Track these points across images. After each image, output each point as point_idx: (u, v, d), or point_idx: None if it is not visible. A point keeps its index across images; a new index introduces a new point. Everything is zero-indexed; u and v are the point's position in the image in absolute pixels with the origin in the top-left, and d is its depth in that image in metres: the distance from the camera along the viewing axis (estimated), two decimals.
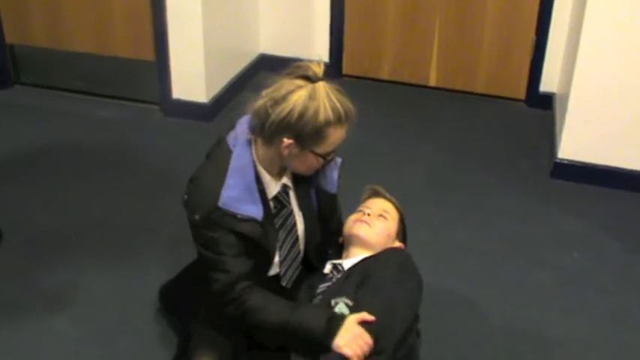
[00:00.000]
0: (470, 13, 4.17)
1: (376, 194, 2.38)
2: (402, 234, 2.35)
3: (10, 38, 4.22)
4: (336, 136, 1.96)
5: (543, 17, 4.02)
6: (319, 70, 1.94)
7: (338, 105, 1.92)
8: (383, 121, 4.02)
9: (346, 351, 1.92)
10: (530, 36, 4.10)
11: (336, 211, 2.32)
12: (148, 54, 3.98)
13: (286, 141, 1.93)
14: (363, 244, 2.23)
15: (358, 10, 4.35)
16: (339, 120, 1.93)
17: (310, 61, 1.96)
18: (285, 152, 1.96)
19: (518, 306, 2.72)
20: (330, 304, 2.05)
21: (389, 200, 2.37)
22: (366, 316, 1.96)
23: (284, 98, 1.90)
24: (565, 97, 3.54)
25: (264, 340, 2.12)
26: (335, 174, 2.20)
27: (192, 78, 3.92)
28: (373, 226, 2.24)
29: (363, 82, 4.47)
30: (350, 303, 2.02)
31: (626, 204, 3.36)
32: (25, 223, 3.09)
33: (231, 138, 2.05)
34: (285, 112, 1.89)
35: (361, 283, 2.05)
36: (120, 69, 4.11)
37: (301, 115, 1.89)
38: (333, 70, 4.44)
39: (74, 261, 2.87)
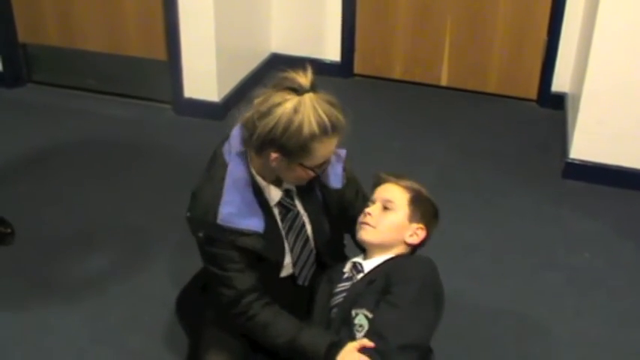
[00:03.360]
0: (481, 12, 4.16)
1: (380, 182, 2.23)
2: (421, 212, 2.17)
3: (23, 37, 4.25)
4: (324, 149, 1.92)
5: (555, 17, 4.00)
6: (306, 81, 1.88)
7: (324, 117, 1.86)
8: (394, 120, 4.02)
9: None
10: (542, 36, 4.09)
11: (350, 203, 2.23)
12: (160, 53, 3.99)
13: (273, 154, 1.91)
14: (374, 247, 2.16)
15: (370, 9, 4.35)
16: (324, 133, 1.87)
17: (296, 71, 1.90)
18: (274, 164, 1.94)
19: (528, 306, 2.71)
20: (350, 313, 2.03)
21: (394, 183, 2.21)
22: (365, 342, 1.93)
23: (269, 111, 1.86)
24: (577, 97, 3.53)
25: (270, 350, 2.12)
26: (339, 168, 2.15)
27: (203, 77, 3.93)
28: (377, 225, 2.13)
29: (375, 81, 4.47)
30: (370, 315, 2.00)
31: (638, 204, 3.35)
32: (36, 221, 3.11)
33: (225, 151, 2.04)
34: (269, 126, 1.86)
35: (383, 294, 2.01)
36: (132, 68, 4.12)
37: (285, 129, 1.85)
38: (345, 69, 4.44)
39: (86, 259, 2.89)
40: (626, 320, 2.67)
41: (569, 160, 3.49)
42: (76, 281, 2.77)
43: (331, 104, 1.89)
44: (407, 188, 2.19)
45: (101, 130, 3.89)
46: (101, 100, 4.18)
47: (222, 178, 1.99)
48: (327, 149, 1.93)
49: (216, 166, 2.04)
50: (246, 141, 1.97)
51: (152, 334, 2.51)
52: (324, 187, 2.16)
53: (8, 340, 2.49)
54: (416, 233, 2.17)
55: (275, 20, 4.48)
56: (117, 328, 2.55)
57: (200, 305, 2.30)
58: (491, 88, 4.33)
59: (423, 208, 2.19)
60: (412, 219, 2.16)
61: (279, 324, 2.04)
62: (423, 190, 2.23)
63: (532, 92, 4.24)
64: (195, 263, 2.45)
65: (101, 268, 2.84)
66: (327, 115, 1.87)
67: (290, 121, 1.84)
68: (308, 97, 1.86)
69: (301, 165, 1.94)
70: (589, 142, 3.43)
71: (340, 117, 1.90)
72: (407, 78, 4.45)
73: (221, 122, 3.90)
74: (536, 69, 4.18)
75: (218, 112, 3.95)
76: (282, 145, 1.87)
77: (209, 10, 3.75)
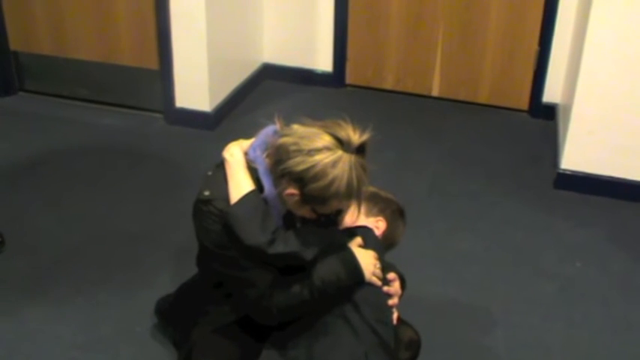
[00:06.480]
0: (473, 23, 4.18)
1: None
2: (378, 208, 2.26)
3: (14, 45, 4.24)
4: (339, 206, 1.95)
5: (546, 28, 4.02)
6: (356, 141, 1.87)
7: (354, 183, 1.86)
8: (386, 131, 3.99)
9: (374, 280, 2.07)
10: (534, 47, 4.11)
11: None
12: (152, 62, 3.98)
13: (291, 190, 1.90)
14: None
15: (362, 20, 4.36)
16: (348, 196, 1.89)
17: (354, 126, 1.90)
18: (285, 197, 1.93)
19: (520, 315, 2.71)
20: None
21: None
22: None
23: (309, 152, 1.84)
24: (568, 108, 3.54)
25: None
26: None
27: (195, 87, 3.93)
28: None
29: (366, 91, 4.48)
30: None
31: (629, 214, 3.36)
32: (28, 230, 3.09)
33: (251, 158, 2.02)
34: (302, 167, 1.84)
35: None
36: (124, 77, 4.12)
37: (316, 178, 1.84)
38: (337, 79, 4.45)
39: (77, 268, 2.87)
40: (618, 329, 2.67)
41: (561, 171, 3.50)
42: (67, 290, 2.75)
43: (365, 171, 1.90)
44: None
45: (92, 140, 3.88)
46: (93, 110, 4.17)
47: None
48: (341, 207, 1.96)
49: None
50: (269, 161, 1.96)
51: (144, 344, 2.50)
52: None
53: (0, 349, 2.47)
54: (376, 226, 2.23)
55: (267, 30, 4.49)
56: (109, 338, 2.53)
57: (191, 314, 2.29)
58: (482, 99, 4.34)
59: (382, 205, 2.27)
60: (369, 214, 2.24)
61: (291, 289, 2.01)
62: (382, 192, 2.30)
63: (523, 103, 4.26)
64: (187, 273, 2.44)
65: (93, 276, 2.82)
66: (357, 182, 1.87)
67: (324, 173, 1.84)
68: (349, 158, 1.86)
69: (311, 208, 1.94)
70: (580, 152, 3.44)
71: (366, 187, 1.93)
72: (399, 88, 4.46)
73: (212, 132, 3.91)
74: (528, 80, 4.20)
75: (209, 122, 3.95)
76: (306, 188, 1.86)
77: (201, 20, 3.75)
